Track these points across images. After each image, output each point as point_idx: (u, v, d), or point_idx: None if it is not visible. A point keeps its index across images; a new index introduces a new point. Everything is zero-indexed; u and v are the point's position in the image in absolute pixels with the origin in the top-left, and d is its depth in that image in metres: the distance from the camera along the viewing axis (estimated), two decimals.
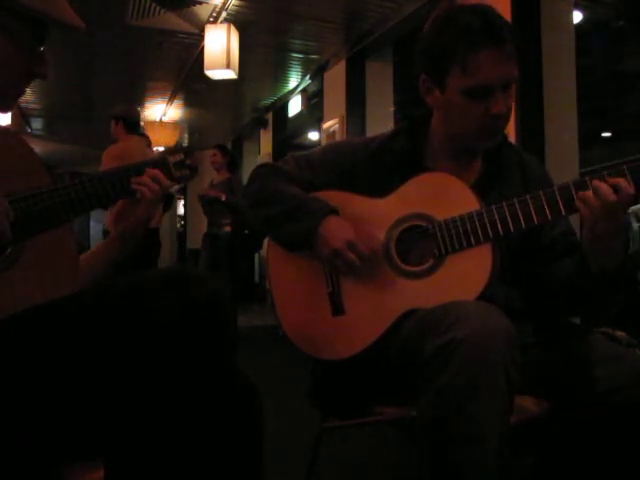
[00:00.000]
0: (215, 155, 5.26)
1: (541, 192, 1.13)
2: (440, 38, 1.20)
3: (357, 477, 2.07)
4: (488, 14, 1.18)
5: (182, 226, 11.27)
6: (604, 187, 1.06)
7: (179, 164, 1.17)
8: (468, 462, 0.97)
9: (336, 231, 1.22)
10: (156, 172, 1.12)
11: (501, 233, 1.15)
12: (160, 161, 1.15)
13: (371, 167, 1.32)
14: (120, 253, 1.19)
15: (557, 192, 1.11)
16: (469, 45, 1.16)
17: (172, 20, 4.79)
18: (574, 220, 1.33)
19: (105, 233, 4.32)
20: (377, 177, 1.31)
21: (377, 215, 1.26)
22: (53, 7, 0.95)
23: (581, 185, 1.09)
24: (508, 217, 1.14)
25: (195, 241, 8.34)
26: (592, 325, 1.37)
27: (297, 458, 1.58)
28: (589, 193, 1.07)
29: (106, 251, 1.19)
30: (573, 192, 1.10)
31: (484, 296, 1.12)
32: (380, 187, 1.27)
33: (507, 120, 1.25)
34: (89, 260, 1.18)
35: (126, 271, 1.16)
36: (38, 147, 9.05)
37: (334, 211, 1.25)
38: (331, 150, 1.40)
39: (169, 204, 6.20)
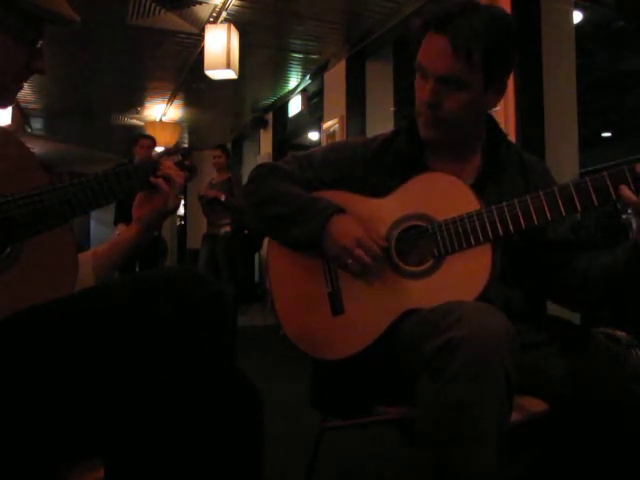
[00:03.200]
0: (220, 157, 5.26)
1: (541, 192, 1.12)
2: (421, 19, 1.23)
3: (357, 477, 2.07)
4: (461, 6, 1.18)
5: (182, 226, 11.27)
6: None
7: (177, 165, 1.17)
8: (468, 462, 0.97)
9: (345, 229, 1.22)
10: (171, 165, 1.15)
11: (501, 233, 1.15)
12: (157, 162, 1.15)
13: (372, 167, 1.33)
14: (139, 241, 1.20)
15: (557, 192, 1.11)
16: (429, 26, 1.20)
17: (172, 20, 4.79)
18: None
19: None
20: (378, 177, 1.31)
21: (377, 215, 1.26)
22: (47, 0, 0.95)
23: (579, 185, 1.09)
24: (508, 217, 1.14)
25: (195, 241, 8.34)
26: (592, 325, 1.37)
27: (297, 458, 1.58)
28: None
29: (126, 240, 1.19)
30: (572, 191, 1.10)
31: (483, 296, 1.12)
32: (381, 187, 1.28)
33: (440, 115, 1.22)
34: (108, 251, 1.19)
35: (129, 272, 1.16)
36: (38, 147, 9.06)
37: (341, 210, 1.25)
38: (332, 150, 1.40)
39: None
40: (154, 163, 1.13)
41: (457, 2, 1.19)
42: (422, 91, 1.22)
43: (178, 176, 1.14)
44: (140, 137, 5.20)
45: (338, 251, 1.22)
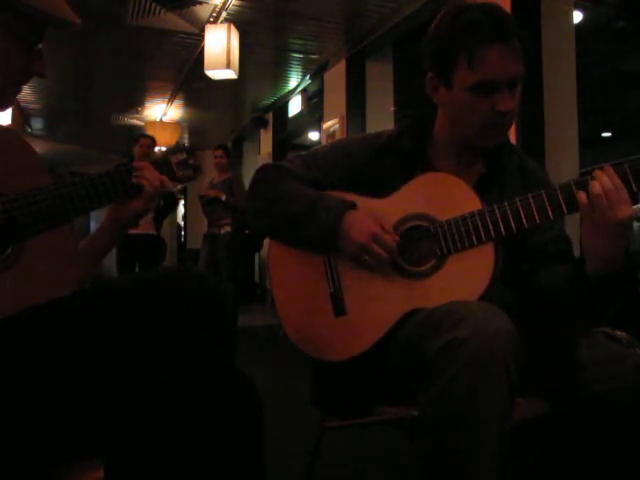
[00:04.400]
0: (222, 157, 5.25)
1: (543, 191, 1.12)
2: (447, 34, 1.20)
3: (357, 477, 2.07)
4: (495, 11, 1.18)
5: (182, 226, 11.27)
6: (606, 178, 1.05)
7: (182, 163, 1.17)
8: (469, 462, 0.97)
9: (359, 225, 1.20)
10: (152, 168, 1.12)
11: (503, 233, 1.14)
12: (162, 160, 1.15)
13: (375, 165, 1.32)
14: (115, 241, 1.18)
15: (559, 191, 1.11)
16: (476, 40, 1.16)
17: (172, 20, 4.80)
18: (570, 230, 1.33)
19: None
20: (381, 176, 1.30)
21: (379, 215, 1.25)
22: (48, 3, 0.95)
23: (582, 184, 1.09)
24: (510, 216, 1.14)
25: (195, 241, 8.35)
26: (592, 325, 1.37)
27: (297, 458, 1.58)
28: (593, 182, 1.06)
29: (97, 240, 1.18)
30: (574, 190, 1.10)
31: (484, 296, 1.12)
32: (383, 186, 1.27)
33: (512, 119, 1.25)
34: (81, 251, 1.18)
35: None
36: (38, 147, 9.05)
37: (353, 205, 1.24)
38: (336, 148, 1.39)
39: (173, 207, 6.20)
40: (131, 167, 1.10)
41: (477, 6, 1.19)
42: (490, 103, 1.19)
43: (154, 177, 1.11)
44: (140, 137, 5.19)
45: (354, 248, 1.20)
